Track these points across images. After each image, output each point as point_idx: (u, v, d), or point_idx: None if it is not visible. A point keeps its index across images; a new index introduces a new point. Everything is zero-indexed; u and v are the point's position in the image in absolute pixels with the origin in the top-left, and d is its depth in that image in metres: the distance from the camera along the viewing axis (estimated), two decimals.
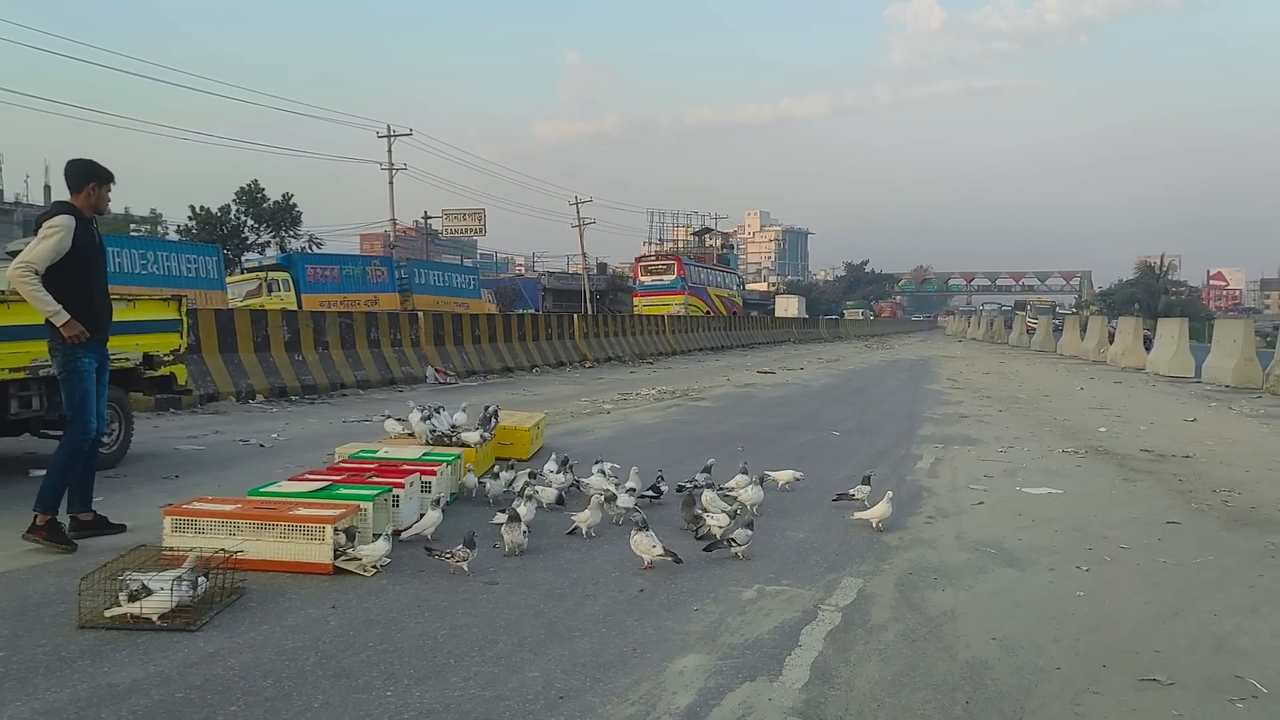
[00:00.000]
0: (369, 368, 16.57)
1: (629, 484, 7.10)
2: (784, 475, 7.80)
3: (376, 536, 5.45)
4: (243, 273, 37.68)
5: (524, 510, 5.93)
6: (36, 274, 5.64)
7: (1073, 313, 74.22)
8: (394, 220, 63.97)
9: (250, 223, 57.02)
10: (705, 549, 5.84)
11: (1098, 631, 4.64)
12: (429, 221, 73.36)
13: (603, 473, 7.31)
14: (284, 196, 58.09)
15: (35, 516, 5.72)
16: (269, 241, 57.12)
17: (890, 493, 6.87)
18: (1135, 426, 13.29)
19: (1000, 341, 56.60)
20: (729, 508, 6.54)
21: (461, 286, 49.53)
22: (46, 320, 5.77)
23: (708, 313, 57.10)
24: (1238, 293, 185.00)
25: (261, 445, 10.12)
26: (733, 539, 5.79)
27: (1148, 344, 29.13)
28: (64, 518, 5.90)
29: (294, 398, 14.94)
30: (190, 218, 55.53)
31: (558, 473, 7.34)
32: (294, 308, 28.37)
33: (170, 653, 4.05)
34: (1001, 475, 9.08)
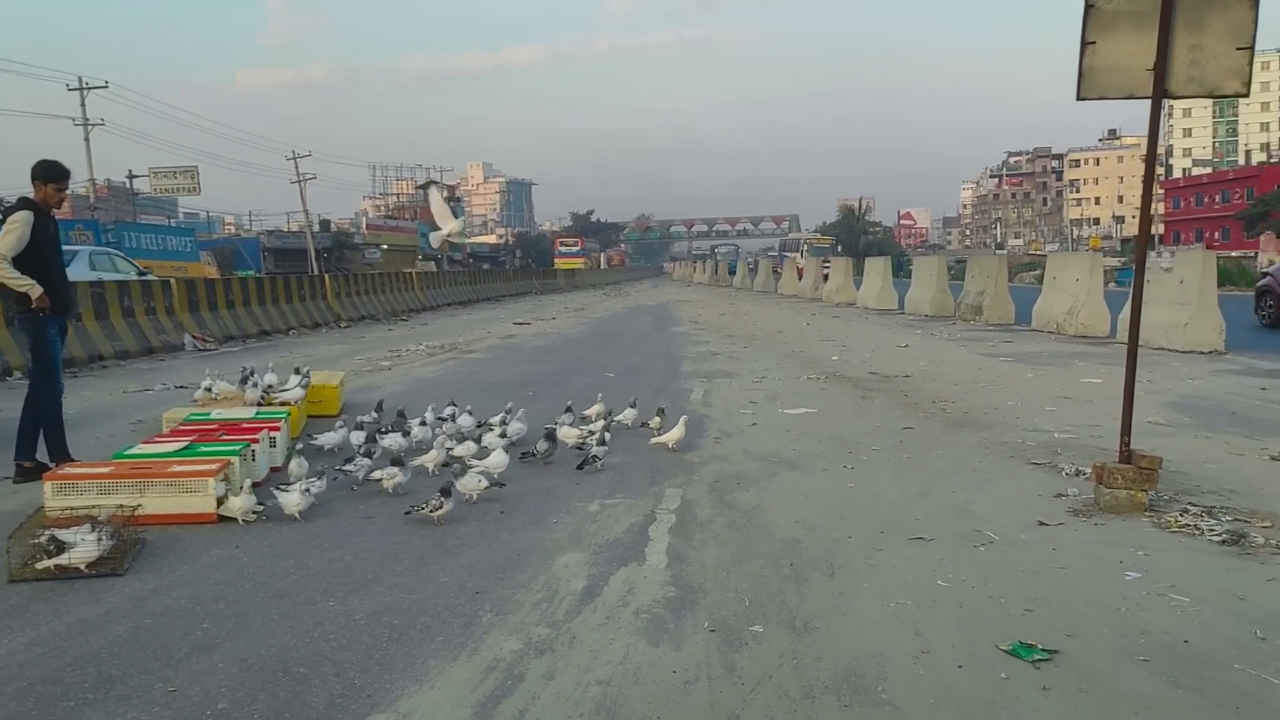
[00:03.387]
0: (125, 338, 16.01)
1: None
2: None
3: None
4: None
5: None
6: (5, 259, 6.67)
7: (782, 254, 79.47)
8: (93, 180, 59.43)
9: None
10: (578, 467, 6.97)
11: (872, 510, 5.90)
12: (134, 181, 68.34)
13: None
14: None
15: (19, 465, 6.88)
16: None
17: (685, 417, 7.99)
18: (860, 354, 15.25)
19: (725, 285, 60.19)
20: (581, 431, 7.78)
21: (178, 249, 47.08)
22: (14, 299, 6.91)
23: (593, 266, 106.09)
24: (924, 230, 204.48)
25: None
26: (595, 456, 6.89)
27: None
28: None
29: None
30: None
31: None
32: None
33: (115, 593, 4.51)
34: (764, 401, 10.46)
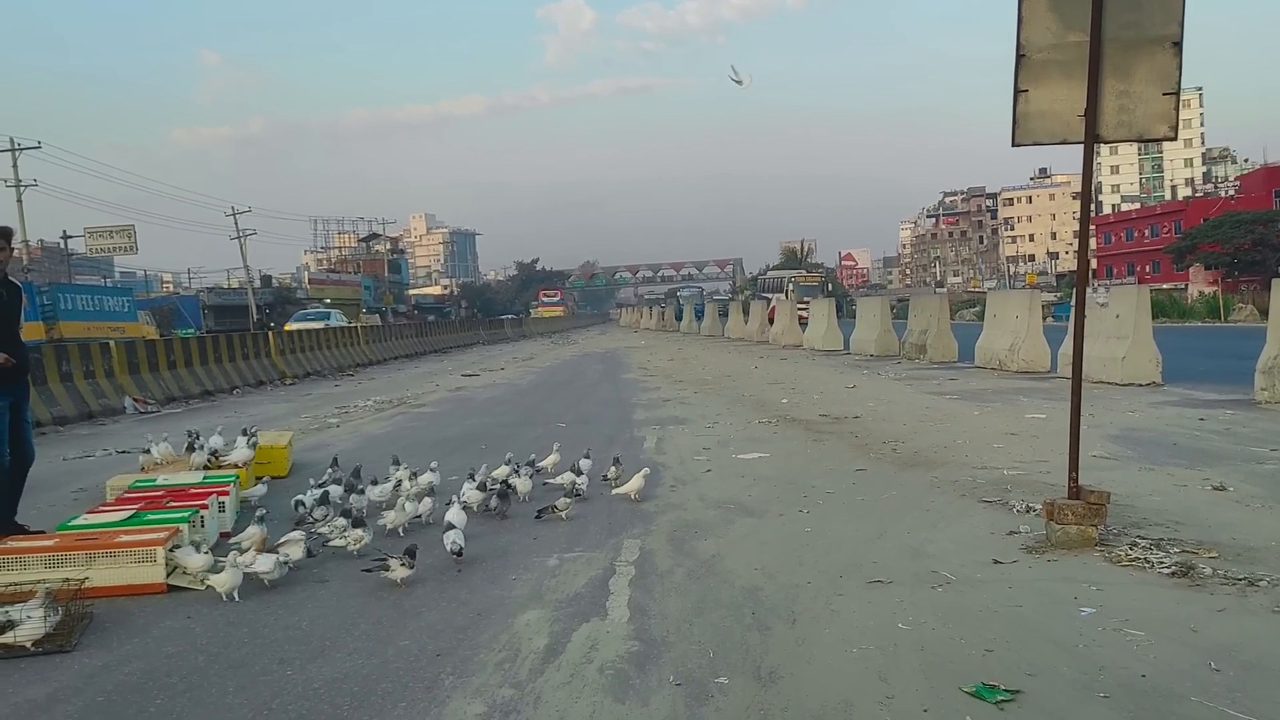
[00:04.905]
0: (64, 403, 15.64)
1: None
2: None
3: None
4: None
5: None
6: None
7: (730, 298, 79.89)
8: (26, 242, 58.46)
9: None
10: (536, 516, 7.08)
11: (829, 554, 5.94)
12: (69, 241, 67.32)
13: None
14: None
15: None
16: None
17: (647, 470, 7.99)
18: (809, 396, 15.38)
19: (672, 330, 60.50)
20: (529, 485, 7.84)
21: (115, 310, 46.22)
22: None
23: (570, 312, 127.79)
24: (865, 270, 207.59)
25: None
26: (555, 505, 6.99)
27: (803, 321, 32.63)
28: None
29: None
30: None
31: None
32: None
33: (64, 670, 4.38)
34: (716, 446, 10.50)
